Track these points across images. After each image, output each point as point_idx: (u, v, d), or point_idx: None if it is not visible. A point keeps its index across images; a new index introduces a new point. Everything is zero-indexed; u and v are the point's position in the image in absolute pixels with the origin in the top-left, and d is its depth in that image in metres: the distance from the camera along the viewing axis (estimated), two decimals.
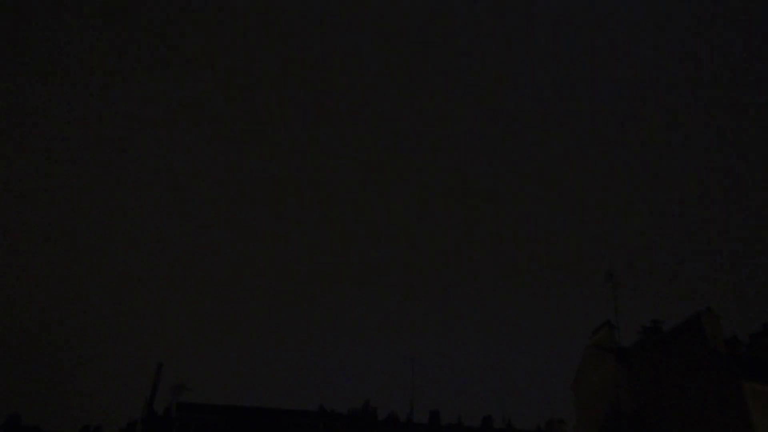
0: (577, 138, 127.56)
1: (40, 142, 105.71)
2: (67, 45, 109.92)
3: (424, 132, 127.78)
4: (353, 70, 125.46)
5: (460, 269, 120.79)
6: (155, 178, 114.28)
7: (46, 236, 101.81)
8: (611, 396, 31.77)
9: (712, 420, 24.81)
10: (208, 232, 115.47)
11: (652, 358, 29.24)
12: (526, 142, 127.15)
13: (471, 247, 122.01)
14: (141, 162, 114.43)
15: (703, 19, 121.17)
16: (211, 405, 30.13)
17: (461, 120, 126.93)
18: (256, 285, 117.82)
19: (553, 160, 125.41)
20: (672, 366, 27.75)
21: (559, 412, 37.54)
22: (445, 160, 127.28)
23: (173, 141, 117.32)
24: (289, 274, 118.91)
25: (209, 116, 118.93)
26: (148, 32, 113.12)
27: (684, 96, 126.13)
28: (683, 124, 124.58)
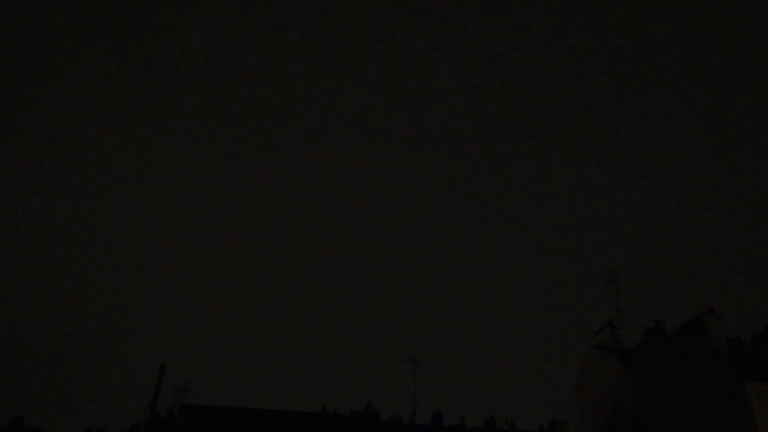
0: (578, 138, 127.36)
1: (43, 145, 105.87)
2: (68, 48, 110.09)
3: (425, 133, 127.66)
4: (353, 74, 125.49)
5: (463, 271, 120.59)
6: (158, 182, 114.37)
7: (49, 239, 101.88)
8: (614, 397, 31.72)
9: (714, 420, 24.75)
10: (211, 234, 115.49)
11: (654, 358, 29.18)
12: (528, 143, 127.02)
13: (473, 249, 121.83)
14: (144, 165, 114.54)
15: (699, 19, 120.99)
16: (213, 406, 30.13)
17: (463, 122, 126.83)
18: (258, 287, 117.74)
19: (555, 160, 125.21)
20: (675, 367, 27.70)
21: (561, 413, 37.47)
22: (445, 160, 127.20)
23: (177, 144, 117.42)
24: (292, 276, 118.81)
25: (211, 120, 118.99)
26: (149, 38, 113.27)
27: (684, 96, 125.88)
28: (684, 124, 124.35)
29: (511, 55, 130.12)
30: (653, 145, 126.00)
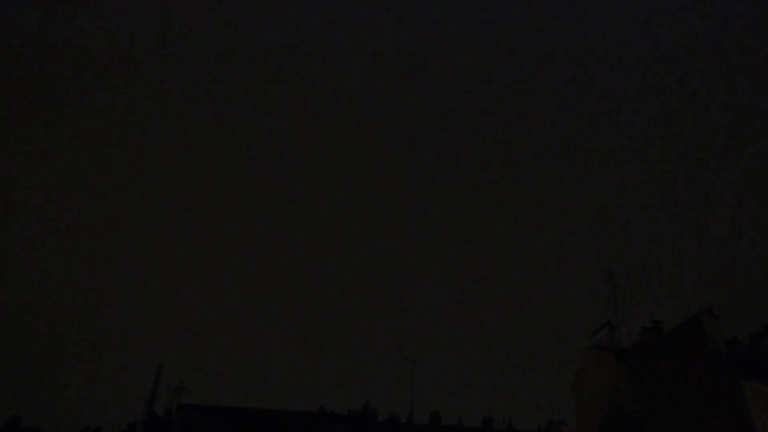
0: (577, 139, 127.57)
1: (42, 145, 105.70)
2: (68, 46, 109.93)
3: (424, 134, 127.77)
4: (352, 74, 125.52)
5: (461, 271, 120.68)
6: (157, 182, 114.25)
7: (47, 238, 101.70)
8: (611, 396, 31.75)
9: (712, 420, 24.79)
10: (209, 234, 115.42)
11: (652, 358, 29.21)
12: (527, 144, 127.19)
13: (471, 249, 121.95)
14: (143, 165, 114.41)
15: (698, 21, 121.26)
16: (211, 406, 30.10)
17: (461, 123, 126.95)
18: (256, 286, 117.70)
19: (554, 161, 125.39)
20: (672, 366, 27.73)
21: (559, 413, 37.49)
22: (445, 161, 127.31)
23: (176, 145, 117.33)
24: (290, 276, 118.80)
25: (210, 120, 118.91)
26: (150, 36, 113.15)
27: (682, 97, 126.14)
28: (683, 125, 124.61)
29: (509, 58, 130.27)
30: (652, 145, 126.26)
